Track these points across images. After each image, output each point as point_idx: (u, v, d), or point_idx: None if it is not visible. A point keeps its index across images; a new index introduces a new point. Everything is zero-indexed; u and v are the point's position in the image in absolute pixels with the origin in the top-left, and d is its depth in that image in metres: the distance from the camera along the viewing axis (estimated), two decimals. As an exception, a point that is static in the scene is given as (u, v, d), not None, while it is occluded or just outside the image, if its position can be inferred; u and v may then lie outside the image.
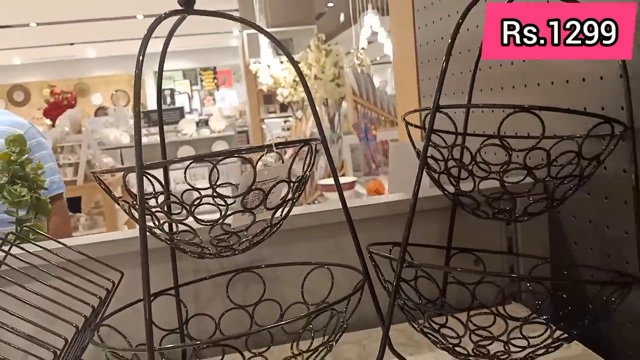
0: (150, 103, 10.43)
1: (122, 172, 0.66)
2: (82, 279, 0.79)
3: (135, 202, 0.63)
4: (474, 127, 0.96)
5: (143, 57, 0.61)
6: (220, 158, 0.62)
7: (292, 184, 0.70)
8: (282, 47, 0.71)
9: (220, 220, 0.65)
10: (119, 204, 0.67)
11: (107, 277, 0.81)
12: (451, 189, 0.81)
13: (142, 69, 0.60)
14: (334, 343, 0.72)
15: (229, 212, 0.65)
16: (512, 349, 0.75)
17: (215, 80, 11.75)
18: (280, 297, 0.91)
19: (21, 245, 0.83)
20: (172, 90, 11.25)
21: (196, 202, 0.64)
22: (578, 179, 0.74)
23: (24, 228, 0.95)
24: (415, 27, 1.41)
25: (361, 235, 0.83)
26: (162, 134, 0.86)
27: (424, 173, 0.79)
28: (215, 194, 0.63)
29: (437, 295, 0.90)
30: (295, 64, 0.72)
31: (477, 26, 1.04)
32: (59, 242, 0.85)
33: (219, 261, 0.94)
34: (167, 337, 0.86)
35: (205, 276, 0.91)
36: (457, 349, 0.78)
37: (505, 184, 0.74)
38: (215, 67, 11.73)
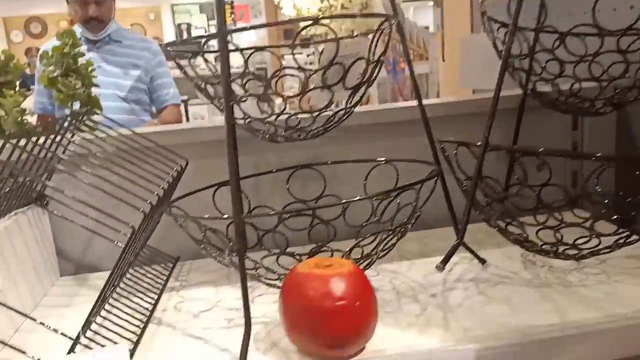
0: (166, 37, 10.22)
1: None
2: (149, 165, 0.79)
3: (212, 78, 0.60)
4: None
5: None
6: (306, 24, 0.59)
7: (370, 63, 0.67)
8: None
9: (300, 96, 0.63)
10: (191, 80, 0.65)
11: (172, 165, 0.80)
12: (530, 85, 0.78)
13: None
14: (409, 226, 0.72)
15: (309, 88, 0.63)
16: (581, 244, 0.73)
17: (233, 15, 11.44)
18: (341, 195, 0.90)
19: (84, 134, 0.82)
20: (189, 25, 11.01)
21: (277, 75, 0.61)
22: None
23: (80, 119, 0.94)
24: None
25: (422, 135, 0.81)
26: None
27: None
28: (297, 66, 0.61)
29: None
30: None
31: None
32: (127, 129, 0.84)
33: (280, 157, 0.93)
34: (231, 226, 0.86)
35: (266, 170, 0.90)
36: (527, 243, 0.77)
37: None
38: (232, 1, 11.39)
